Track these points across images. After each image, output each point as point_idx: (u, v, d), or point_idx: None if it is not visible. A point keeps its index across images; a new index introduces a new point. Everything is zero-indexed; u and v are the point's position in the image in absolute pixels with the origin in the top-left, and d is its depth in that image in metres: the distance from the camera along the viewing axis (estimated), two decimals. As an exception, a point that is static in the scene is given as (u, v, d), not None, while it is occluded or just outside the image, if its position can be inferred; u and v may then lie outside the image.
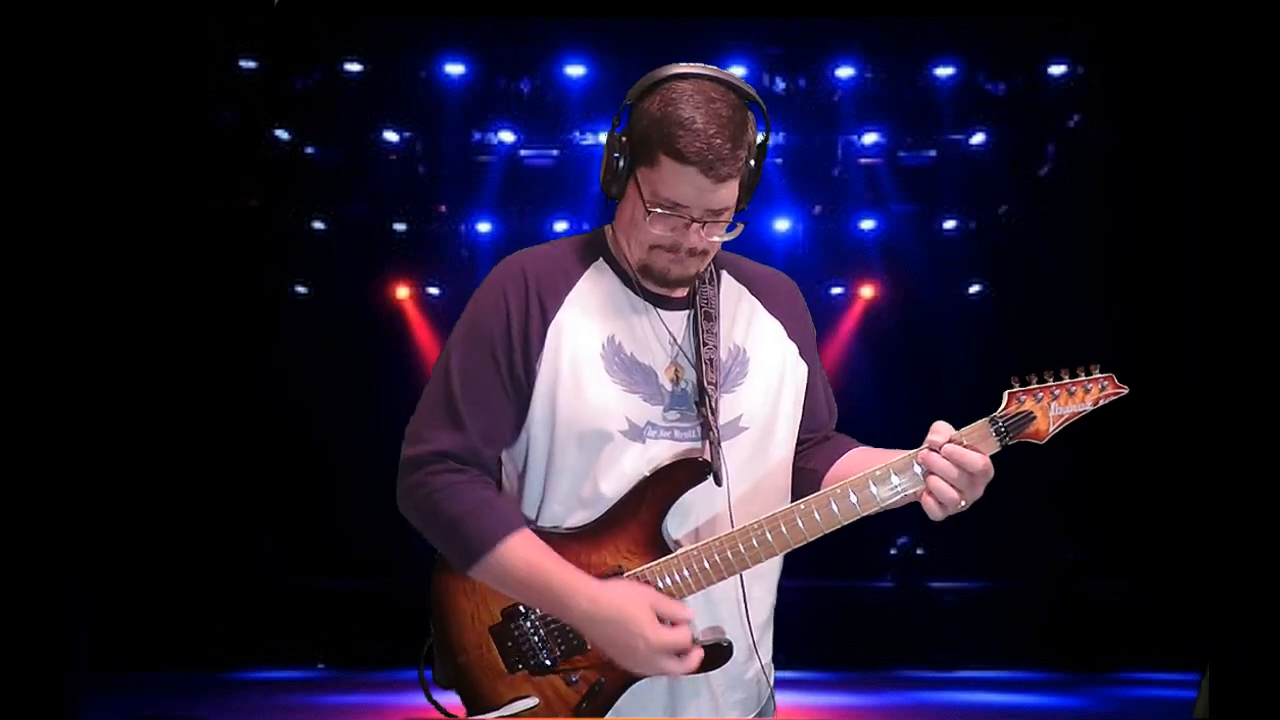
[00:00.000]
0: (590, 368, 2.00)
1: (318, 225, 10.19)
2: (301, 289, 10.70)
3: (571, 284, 2.04)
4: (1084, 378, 1.96)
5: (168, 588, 9.38)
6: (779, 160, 9.77)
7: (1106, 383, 1.96)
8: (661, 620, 1.91)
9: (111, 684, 7.49)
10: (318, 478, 10.15)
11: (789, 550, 1.98)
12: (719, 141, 1.89)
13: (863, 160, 9.82)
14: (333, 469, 10.14)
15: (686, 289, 2.08)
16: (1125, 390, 1.96)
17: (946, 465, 1.90)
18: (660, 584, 1.96)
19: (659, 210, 1.94)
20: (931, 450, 1.92)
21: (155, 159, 8.52)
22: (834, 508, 1.94)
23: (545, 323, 2.00)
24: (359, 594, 10.02)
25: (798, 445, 2.15)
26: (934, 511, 1.93)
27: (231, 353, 9.86)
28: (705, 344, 2.03)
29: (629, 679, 1.98)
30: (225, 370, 9.87)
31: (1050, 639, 9.67)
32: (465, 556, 1.97)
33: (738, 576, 2.00)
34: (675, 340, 2.04)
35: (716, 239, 1.98)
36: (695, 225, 1.95)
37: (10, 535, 4.35)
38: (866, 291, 10.76)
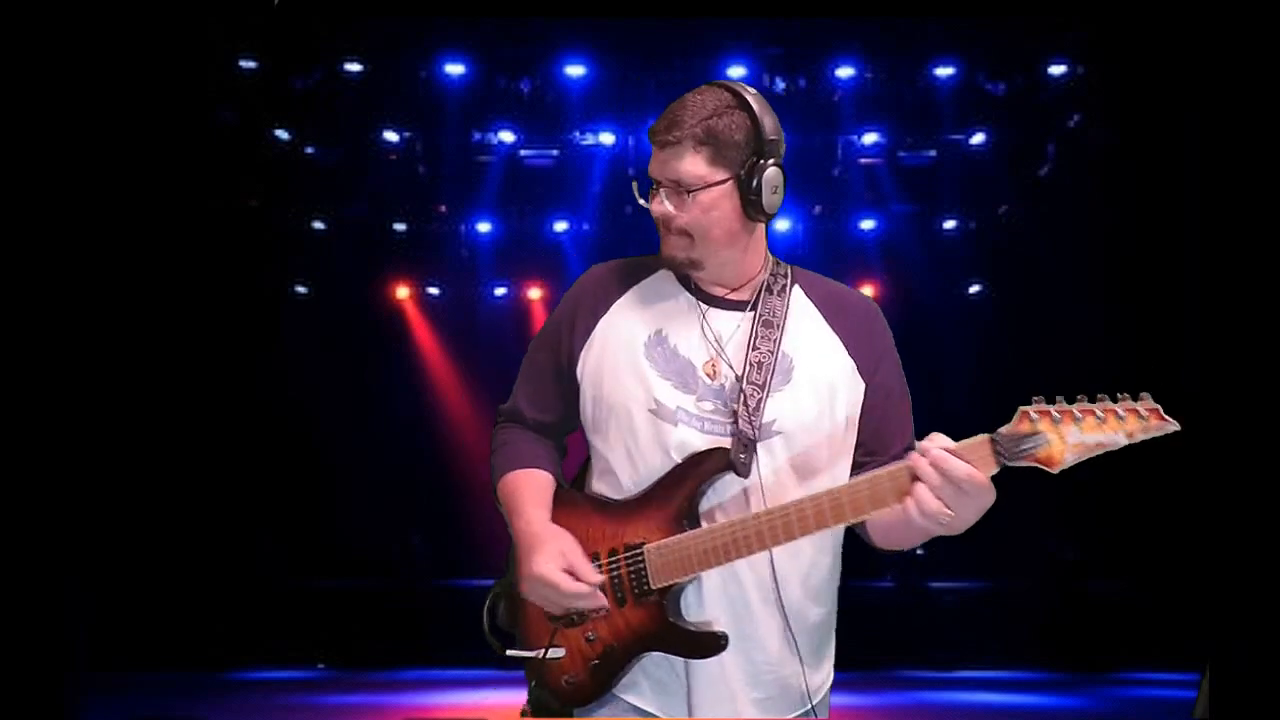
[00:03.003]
0: (631, 354, 2.18)
1: (318, 225, 10.20)
2: (301, 289, 10.72)
3: (626, 289, 2.26)
4: (1121, 404, 1.74)
5: (168, 588, 9.39)
6: (779, 160, 9.77)
7: (1150, 414, 1.71)
8: (569, 571, 2.07)
9: (111, 684, 7.50)
10: (318, 478, 10.16)
11: (781, 544, 2.02)
12: (668, 118, 2.10)
13: (863, 160, 9.82)
14: (333, 469, 10.16)
15: (750, 294, 2.19)
16: (1174, 426, 1.69)
17: (929, 471, 1.86)
18: (674, 559, 2.07)
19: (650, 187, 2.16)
20: (920, 455, 1.89)
21: (155, 159, 8.52)
22: (827, 513, 1.98)
23: (596, 318, 2.24)
24: (359, 594, 10.03)
25: (857, 466, 2.15)
26: (915, 519, 1.89)
27: (231, 353, 9.87)
28: (756, 347, 2.14)
29: (638, 648, 2.11)
30: (225, 370, 9.88)
31: (1050, 639, 9.67)
32: (495, 480, 2.29)
33: (772, 580, 2.10)
34: (719, 340, 2.16)
35: (685, 215, 2.10)
36: (656, 194, 2.13)
37: (10, 535, 4.35)
38: (866, 291, 10.74)
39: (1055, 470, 1.79)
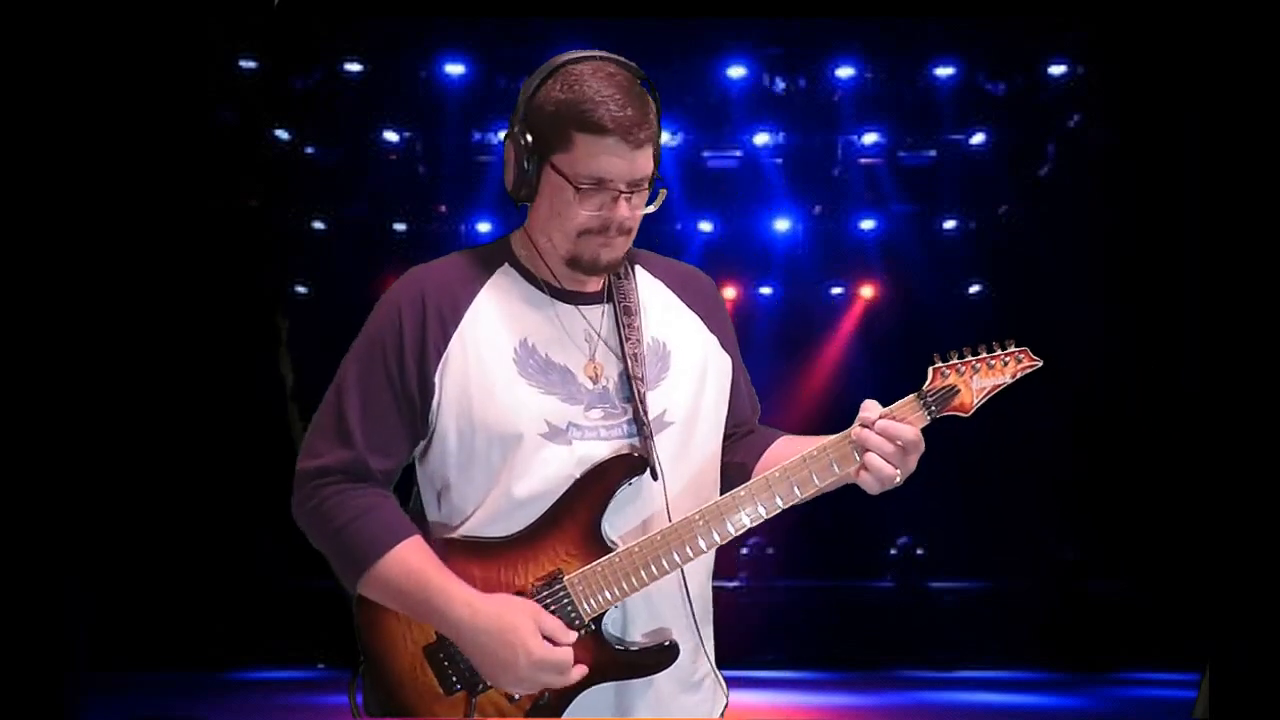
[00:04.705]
0: (502, 373, 1.95)
1: (318, 225, 10.20)
2: (301, 289, 10.71)
3: (473, 294, 2.00)
4: (1000, 352, 2.04)
5: (168, 588, 9.38)
6: (779, 160, 9.77)
7: (1023, 355, 2.04)
8: (545, 637, 1.86)
9: (111, 684, 7.49)
10: (318, 478, 10.14)
11: (730, 541, 1.95)
12: (630, 110, 1.88)
13: (863, 160, 9.83)
14: (333, 469, 10.14)
15: (600, 283, 2.05)
16: (1040, 363, 2.05)
17: (881, 441, 1.93)
18: (604, 583, 1.90)
19: (585, 186, 1.90)
20: (864, 427, 1.94)
21: (155, 159, 8.52)
22: (775, 494, 1.93)
23: (446, 337, 1.96)
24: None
25: (723, 440, 2.13)
26: (871, 487, 1.96)
27: (231, 353, 9.86)
28: (628, 338, 2.00)
29: (574, 690, 1.90)
30: (225, 370, 9.87)
31: (1050, 639, 9.67)
32: (354, 568, 1.96)
33: (679, 574, 1.95)
34: (593, 336, 2.01)
35: (641, 212, 1.97)
36: (623, 198, 1.92)
37: (10, 535, 4.35)
38: (866, 291, 10.76)
39: (967, 414, 2.02)
